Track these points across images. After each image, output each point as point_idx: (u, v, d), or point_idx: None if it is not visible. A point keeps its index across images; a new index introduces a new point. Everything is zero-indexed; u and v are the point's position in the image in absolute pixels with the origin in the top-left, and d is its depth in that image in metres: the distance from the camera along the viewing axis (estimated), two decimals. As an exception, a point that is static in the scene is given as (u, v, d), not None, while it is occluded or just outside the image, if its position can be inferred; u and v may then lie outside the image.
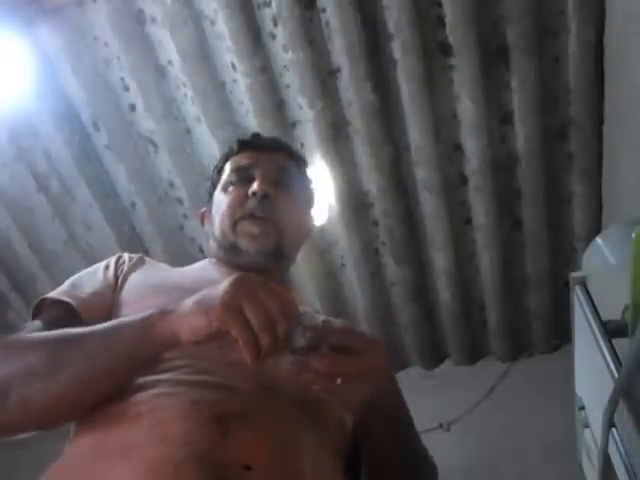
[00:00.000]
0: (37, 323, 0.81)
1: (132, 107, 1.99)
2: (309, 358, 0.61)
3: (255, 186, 0.93)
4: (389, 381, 0.80)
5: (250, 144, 1.05)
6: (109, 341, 0.68)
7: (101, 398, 0.68)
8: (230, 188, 0.98)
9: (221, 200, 0.98)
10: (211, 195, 1.05)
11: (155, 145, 2.06)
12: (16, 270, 2.37)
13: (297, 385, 0.69)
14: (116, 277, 0.89)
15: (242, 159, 1.02)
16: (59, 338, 0.71)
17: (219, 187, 1.02)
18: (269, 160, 1.00)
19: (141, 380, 0.70)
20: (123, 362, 0.68)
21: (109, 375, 0.68)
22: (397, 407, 0.82)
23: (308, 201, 1.07)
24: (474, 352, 2.52)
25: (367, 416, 0.75)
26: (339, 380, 0.62)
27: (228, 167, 1.02)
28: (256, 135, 1.10)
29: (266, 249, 0.92)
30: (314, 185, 1.10)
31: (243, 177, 0.98)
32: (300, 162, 1.08)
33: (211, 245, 1.02)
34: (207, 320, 0.62)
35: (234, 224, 0.94)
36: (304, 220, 1.04)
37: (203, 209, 1.10)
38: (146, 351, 0.67)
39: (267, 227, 0.92)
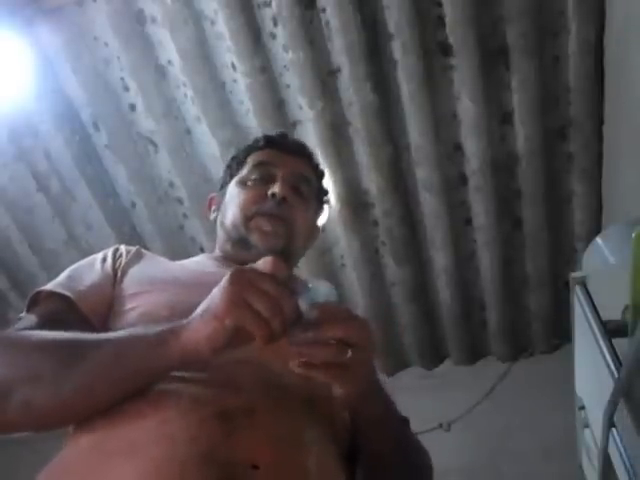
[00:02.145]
0: (33, 317, 0.80)
1: (132, 107, 1.99)
2: (321, 329, 0.62)
3: (276, 188, 0.95)
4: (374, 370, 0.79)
5: (276, 143, 1.06)
6: (121, 354, 0.67)
7: (105, 408, 0.67)
8: (249, 183, 0.99)
9: (238, 193, 0.99)
10: (225, 183, 1.05)
11: (155, 145, 2.06)
12: (16, 270, 2.37)
13: (305, 374, 0.69)
14: (115, 270, 0.88)
15: (266, 156, 1.03)
16: (69, 343, 0.69)
17: (237, 179, 1.02)
18: (292, 164, 1.02)
19: None
20: (133, 376, 0.67)
21: (116, 387, 0.67)
22: (385, 401, 0.81)
23: (319, 211, 1.09)
24: (474, 352, 2.52)
25: (358, 411, 0.75)
26: (349, 353, 0.63)
27: (250, 161, 1.03)
28: (284, 135, 1.11)
29: (275, 247, 0.93)
30: (327, 197, 1.12)
31: (264, 175, 0.99)
32: (319, 172, 1.10)
33: (219, 235, 1.02)
34: (218, 322, 0.62)
35: (248, 219, 0.95)
36: (313, 228, 1.06)
37: (212, 195, 1.10)
38: (158, 368, 0.66)
39: (280, 226, 0.94)
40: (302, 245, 1.02)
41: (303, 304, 0.63)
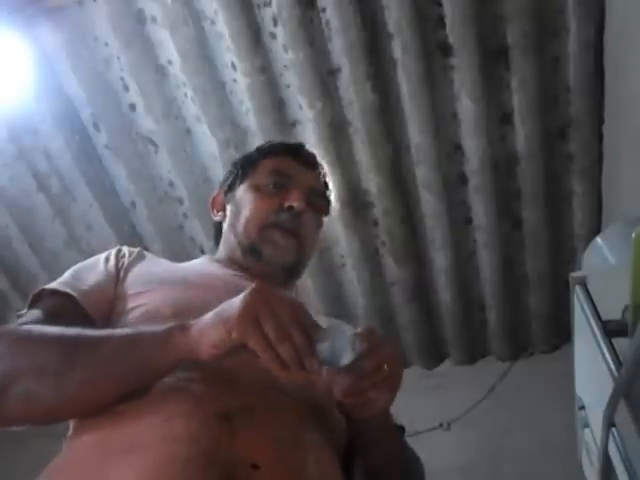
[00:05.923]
0: (36, 312, 0.80)
1: (132, 107, 1.99)
2: (372, 357, 0.66)
3: (293, 201, 0.94)
4: None
5: (293, 152, 1.05)
6: (126, 349, 0.67)
7: (107, 404, 0.67)
8: (264, 190, 0.98)
9: (251, 199, 0.98)
10: (233, 184, 1.04)
11: (155, 145, 2.06)
12: (16, 270, 2.37)
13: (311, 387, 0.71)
14: (117, 270, 0.88)
15: (282, 164, 1.01)
16: (74, 338, 0.70)
17: (250, 182, 1.01)
18: (307, 177, 1.02)
19: None
20: (137, 372, 0.67)
21: (120, 383, 0.67)
22: (388, 416, 0.83)
23: (323, 223, 1.10)
24: (474, 352, 2.52)
25: (364, 426, 0.76)
26: (385, 367, 0.66)
27: (265, 166, 1.02)
28: (301, 146, 1.10)
29: (287, 263, 0.95)
30: (331, 208, 1.13)
31: (280, 183, 0.98)
32: (326, 185, 1.11)
33: (227, 239, 1.01)
34: (225, 331, 0.62)
35: (262, 229, 0.94)
36: (318, 241, 1.07)
37: (214, 195, 1.08)
38: (163, 363, 0.67)
39: (292, 242, 0.95)
40: (309, 260, 1.03)
41: (331, 345, 0.64)
